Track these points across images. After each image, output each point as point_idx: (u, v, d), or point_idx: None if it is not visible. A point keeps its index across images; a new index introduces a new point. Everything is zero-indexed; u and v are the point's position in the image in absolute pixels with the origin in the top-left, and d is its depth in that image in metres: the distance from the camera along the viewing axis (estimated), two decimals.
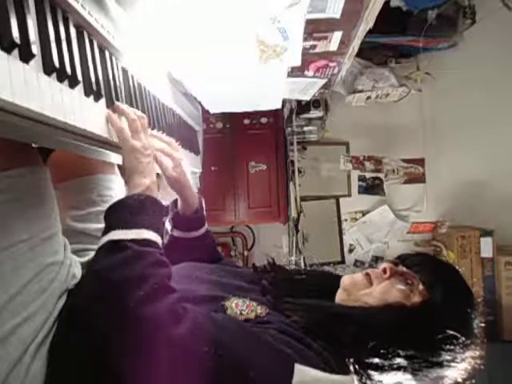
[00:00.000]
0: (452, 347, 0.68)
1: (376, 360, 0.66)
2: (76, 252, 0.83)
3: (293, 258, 2.44)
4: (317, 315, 0.72)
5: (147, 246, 0.63)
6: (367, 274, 0.78)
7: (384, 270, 0.77)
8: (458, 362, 0.69)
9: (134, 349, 0.56)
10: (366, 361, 0.66)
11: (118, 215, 0.66)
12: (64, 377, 0.65)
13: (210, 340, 0.58)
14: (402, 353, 0.67)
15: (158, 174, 0.83)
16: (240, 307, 0.69)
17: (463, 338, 0.69)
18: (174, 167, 0.88)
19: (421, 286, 0.73)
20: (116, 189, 0.95)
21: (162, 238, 0.70)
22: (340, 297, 0.79)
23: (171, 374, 0.56)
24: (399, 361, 0.66)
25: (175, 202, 0.98)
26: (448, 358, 0.68)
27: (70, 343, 0.65)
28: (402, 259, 0.81)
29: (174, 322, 0.57)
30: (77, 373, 0.64)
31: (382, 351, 0.67)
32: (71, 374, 0.65)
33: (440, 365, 0.69)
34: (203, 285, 0.78)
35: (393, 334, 0.68)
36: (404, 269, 0.78)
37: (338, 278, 0.82)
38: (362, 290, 0.77)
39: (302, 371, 0.59)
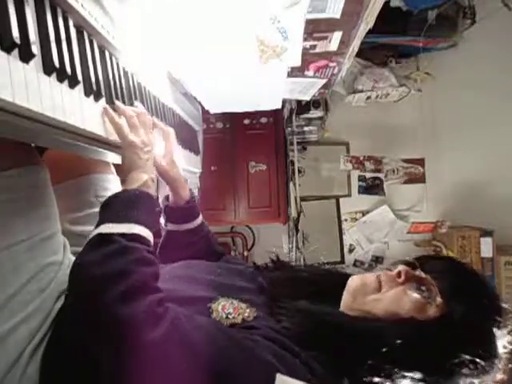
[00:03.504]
0: (469, 372, 0.60)
1: (376, 379, 0.60)
2: (75, 255, 0.82)
3: (293, 259, 2.44)
4: (309, 323, 0.66)
5: (135, 241, 0.61)
6: (377, 276, 0.70)
7: (398, 274, 0.68)
8: None
9: (109, 349, 0.53)
10: (364, 379, 0.60)
11: (111, 209, 0.64)
12: (56, 378, 0.64)
13: (186, 344, 0.54)
14: (407, 374, 0.60)
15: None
16: (227, 310, 0.65)
17: (484, 363, 0.60)
18: (164, 157, 0.86)
19: (439, 299, 0.65)
20: (113, 189, 0.94)
21: (158, 237, 0.67)
22: (345, 300, 0.71)
23: (144, 378, 0.53)
24: (404, 383, 0.60)
25: (167, 196, 0.95)
26: None
27: (61, 343, 0.64)
28: (421, 262, 0.71)
29: (151, 323, 0.54)
30: (68, 374, 0.63)
31: (383, 371, 0.60)
32: (63, 375, 0.63)
33: None
34: (194, 284, 0.74)
35: (397, 354, 0.61)
36: (422, 274, 0.68)
37: (346, 276, 0.74)
38: (369, 294, 0.69)
39: (283, 382, 0.55)
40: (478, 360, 0.60)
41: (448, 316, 0.63)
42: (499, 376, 0.62)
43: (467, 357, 0.60)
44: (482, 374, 0.61)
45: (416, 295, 0.65)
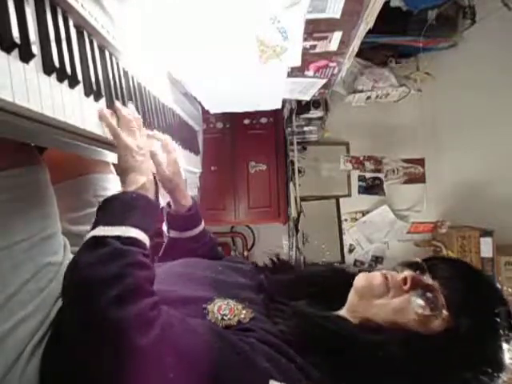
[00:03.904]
0: None
1: None
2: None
3: (293, 259, 2.44)
4: (305, 327, 0.64)
5: (131, 245, 0.59)
6: (385, 278, 0.67)
7: (404, 280, 0.66)
8: None
9: (98, 353, 0.52)
10: None
11: (107, 211, 0.63)
12: (56, 377, 0.63)
13: (176, 349, 0.53)
14: None
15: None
16: (222, 311, 0.64)
17: (487, 379, 0.59)
18: (168, 165, 0.86)
19: (445, 312, 0.62)
20: (113, 189, 0.94)
21: (153, 240, 0.66)
22: (351, 299, 0.69)
23: (134, 382, 0.52)
24: None
25: (168, 202, 0.95)
26: None
27: (61, 343, 0.64)
28: (429, 264, 0.68)
29: (142, 328, 0.52)
30: (67, 373, 0.63)
31: (382, 378, 0.60)
32: (62, 374, 0.63)
33: None
34: (192, 284, 0.73)
35: (396, 364, 0.60)
36: (429, 280, 0.65)
37: (352, 276, 0.72)
38: (376, 298, 0.66)
39: None
40: (481, 377, 0.59)
41: (454, 329, 0.61)
42: None
43: (470, 374, 0.59)
44: None
45: (420, 308, 0.63)
